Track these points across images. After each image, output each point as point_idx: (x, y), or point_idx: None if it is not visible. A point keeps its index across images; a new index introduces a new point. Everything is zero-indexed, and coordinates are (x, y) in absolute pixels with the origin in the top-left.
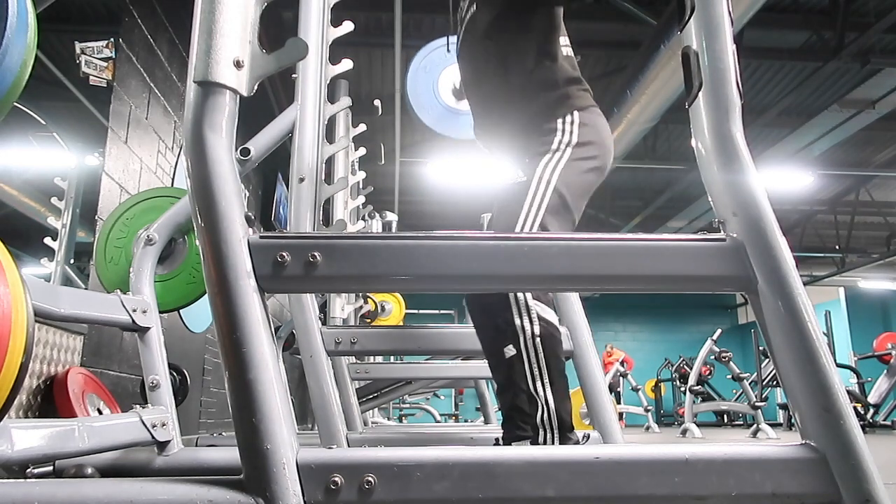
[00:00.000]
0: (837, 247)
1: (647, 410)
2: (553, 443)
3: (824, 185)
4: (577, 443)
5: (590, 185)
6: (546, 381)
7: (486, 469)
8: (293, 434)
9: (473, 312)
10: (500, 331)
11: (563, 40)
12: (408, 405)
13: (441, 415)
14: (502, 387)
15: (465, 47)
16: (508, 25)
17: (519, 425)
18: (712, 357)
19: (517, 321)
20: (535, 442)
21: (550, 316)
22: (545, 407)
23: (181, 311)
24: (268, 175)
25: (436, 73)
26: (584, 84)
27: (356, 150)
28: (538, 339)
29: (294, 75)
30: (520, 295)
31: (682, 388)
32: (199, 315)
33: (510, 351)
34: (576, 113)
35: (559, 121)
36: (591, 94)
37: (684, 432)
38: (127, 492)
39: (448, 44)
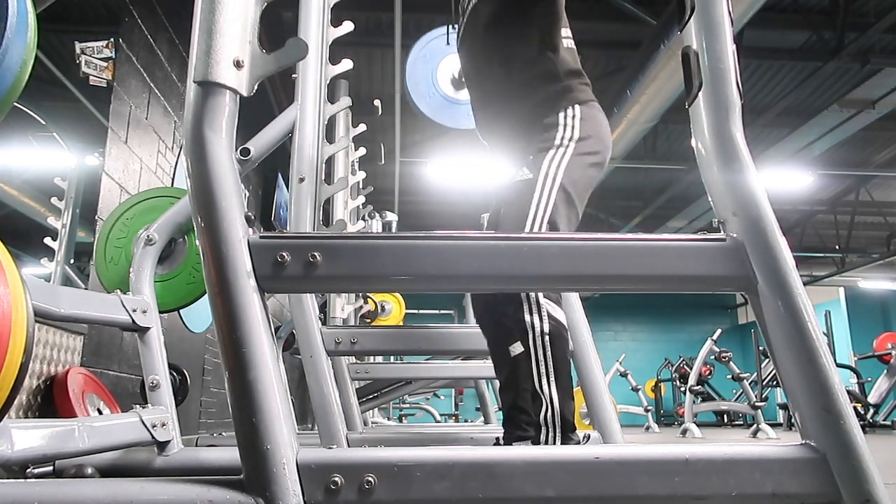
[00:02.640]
0: (837, 247)
1: (647, 410)
2: (555, 442)
3: (824, 185)
4: (578, 443)
5: (592, 179)
6: (552, 378)
7: (486, 469)
8: (293, 434)
9: (478, 309)
10: (507, 328)
11: (565, 32)
12: (408, 405)
13: (441, 415)
14: (505, 385)
15: (466, 39)
16: (510, 17)
17: (520, 425)
18: (712, 357)
19: (528, 318)
20: (536, 441)
21: (560, 315)
22: (549, 405)
23: (181, 311)
24: (268, 175)
25: (435, 62)
26: (585, 77)
27: (356, 150)
28: (547, 337)
29: (294, 75)
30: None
31: (682, 388)
32: (199, 315)
33: (517, 349)
34: (577, 107)
35: (560, 115)
36: (591, 87)
37: (684, 432)
38: (127, 492)
39: (448, 34)
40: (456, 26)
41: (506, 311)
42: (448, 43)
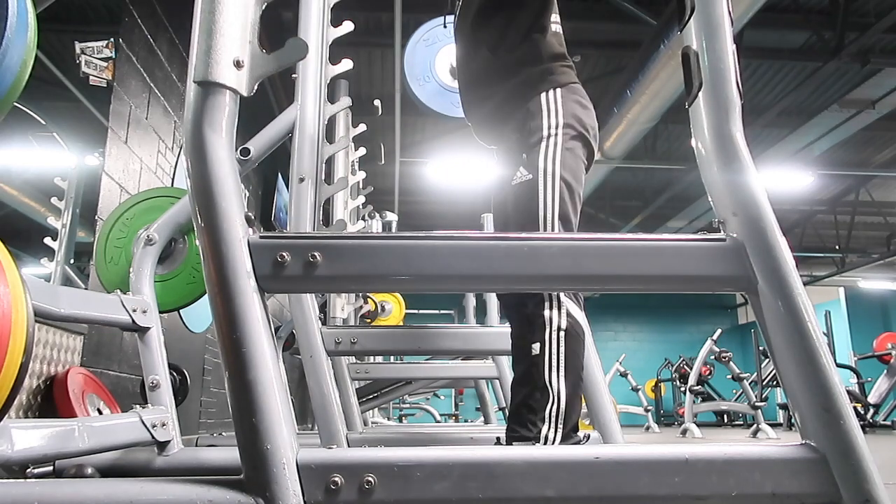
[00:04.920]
0: (837, 247)
1: (647, 410)
2: (555, 438)
3: (824, 185)
4: (579, 443)
5: (584, 162)
6: (562, 374)
7: (486, 469)
8: (293, 434)
9: (504, 304)
10: (529, 324)
11: (554, 17)
12: (408, 405)
13: (441, 415)
14: (520, 380)
15: (460, 26)
16: (502, 3)
17: (525, 424)
18: (712, 357)
19: (547, 313)
20: (537, 438)
21: (579, 316)
22: (556, 399)
23: (181, 311)
24: (268, 175)
25: (436, 48)
26: (569, 60)
27: (356, 150)
28: (563, 333)
29: (294, 75)
30: None
31: (682, 388)
32: (199, 315)
33: (535, 348)
34: (558, 90)
35: (542, 97)
36: (575, 70)
37: (684, 432)
38: (127, 492)
39: (445, 19)
40: (452, 16)
41: (527, 306)
42: (445, 26)
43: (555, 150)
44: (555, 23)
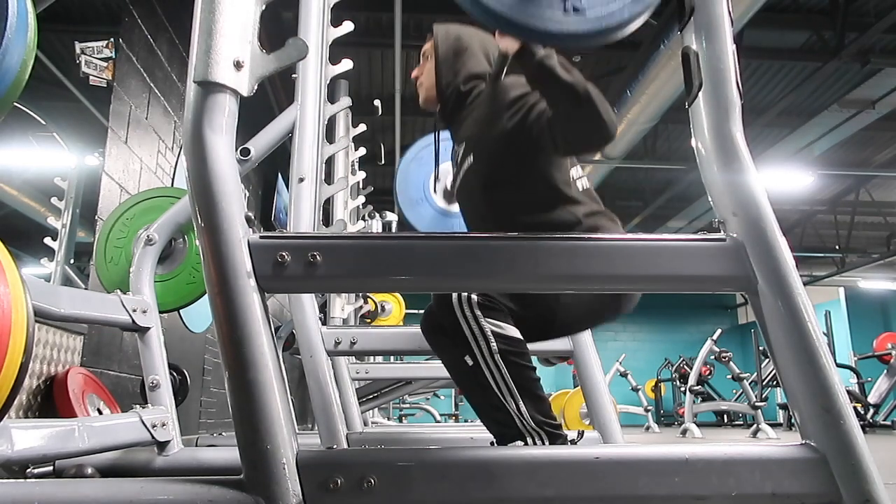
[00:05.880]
0: (837, 247)
1: (647, 410)
2: (543, 444)
3: (824, 185)
4: (569, 440)
5: None
6: (515, 392)
7: (486, 469)
8: (293, 434)
9: (427, 335)
10: (452, 344)
11: (576, 172)
12: (408, 405)
13: (441, 415)
14: (471, 393)
15: (463, 195)
16: (510, 180)
17: (505, 423)
18: (712, 357)
19: (473, 344)
20: (521, 434)
21: (509, 330)
22: (520, 417)
23: (181, 311)
24: (268, 175)
25: (428, 168)
26: (609, 213)
27: (356, 150)
28: (498, 356)
29: (294, 75)
30: (468, 314)
31: (682, 388)
32: (199, 315)
33: (469, 360)
34: None
35: None
36: (617, 221)
37: (684, 432)
38: (127, 492)
39: (437, 141)
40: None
41: (444, 331)
42: (436, 156)
43: None
44: (579, 179)
